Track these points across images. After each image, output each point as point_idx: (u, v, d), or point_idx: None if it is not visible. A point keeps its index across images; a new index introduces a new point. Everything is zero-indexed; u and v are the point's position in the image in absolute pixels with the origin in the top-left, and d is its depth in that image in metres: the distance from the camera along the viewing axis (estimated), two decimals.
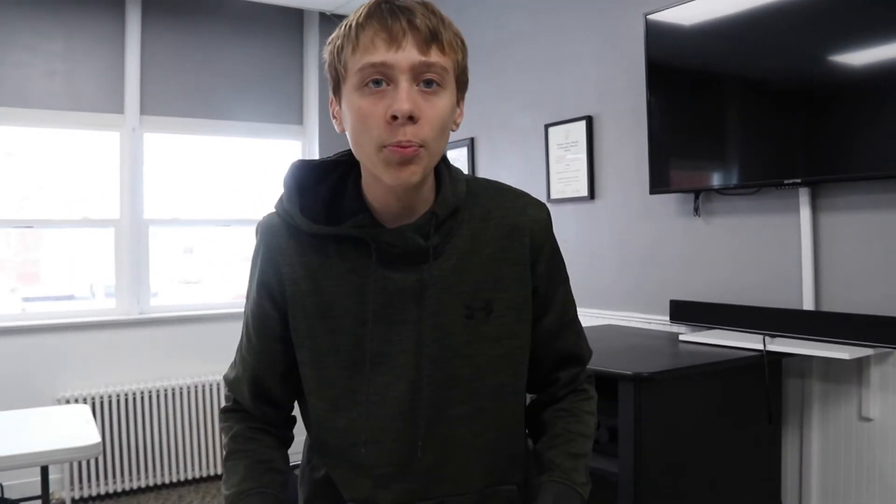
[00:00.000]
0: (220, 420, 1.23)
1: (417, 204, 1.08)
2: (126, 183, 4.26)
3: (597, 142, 3.15)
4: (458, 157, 4.01)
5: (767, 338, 2.28)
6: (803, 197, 2.33)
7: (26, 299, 4.27)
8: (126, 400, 4.05)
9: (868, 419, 2.18)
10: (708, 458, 2.14)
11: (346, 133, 1.05)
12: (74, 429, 2.58)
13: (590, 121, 3.16)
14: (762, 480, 2.30)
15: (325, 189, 1.13)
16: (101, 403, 3.99)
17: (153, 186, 4.35)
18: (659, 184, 2.71)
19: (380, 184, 1.05)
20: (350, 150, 1.12)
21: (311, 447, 1.23)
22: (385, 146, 0.97)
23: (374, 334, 1.08)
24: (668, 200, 2.82)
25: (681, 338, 2.50)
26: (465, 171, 4.06)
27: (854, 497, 2.22)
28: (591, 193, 3.17)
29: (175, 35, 4.35)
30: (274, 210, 1.14)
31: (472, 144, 3.93)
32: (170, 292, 4.55)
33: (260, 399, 1.19)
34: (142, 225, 4.30)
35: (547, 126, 3.38)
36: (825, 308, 2.30)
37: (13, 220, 4.08)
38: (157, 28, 4.29)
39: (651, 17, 2.68)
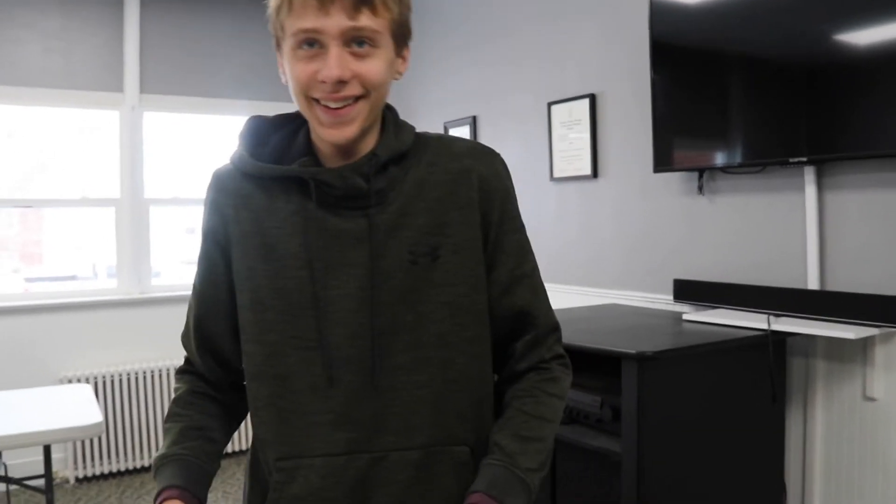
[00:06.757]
0: (175, 381, 1.22)
1: (362, 151, 1.08)
2: (126, 162, 4.24)
3: (600, 120, 3.12)
4: (460, 136, 3.98)
5: (772, 317, 2.26)
6: (808, 175, 2.31)
7: (29, 279, 4.27)
8: (128, 379, 4.06)
9: (872, 399, 2.17)
10: (711, 438, 2.13)
11: None
12: (77, 408, 2.58)
13: (593, 99, 3.13)
14: (765, 459, 2.30)
15: (279, 137, 1.14)
16: (104, 383, 4.00)
17: (154, 165, 4.33)
18: (663, 162, 2.69)
19: None
20: None
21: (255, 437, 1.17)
22: (318, 102, 1.01)
23: (315, 278, 1.06)
24: (671, 179, 2.80)
25: (684, 317, 2.48)
26: None
27: (857, 477, 2.22)
28: (595, 172, 3.15)
29: (175, 12, 4.31)
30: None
31: (474, 123, 3.90)
32: (171, 272, 4.55)
33: (205, 349, 1.17)
34: (142, 204, 4.29)
35: (550, 104, 3.35)
36: (830, 287, 2.28)
37: (13, 200, 4.07)
38: (156, 4, 4.25)
39: None
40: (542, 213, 3.45)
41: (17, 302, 3.97)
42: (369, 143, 1.09)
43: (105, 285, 4.36)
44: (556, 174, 3.34)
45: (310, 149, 1.11)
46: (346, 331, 1.06)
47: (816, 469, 2.33)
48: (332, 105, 1.00)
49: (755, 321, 2.25)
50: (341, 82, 0.98)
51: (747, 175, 2.51)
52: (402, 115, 1.16)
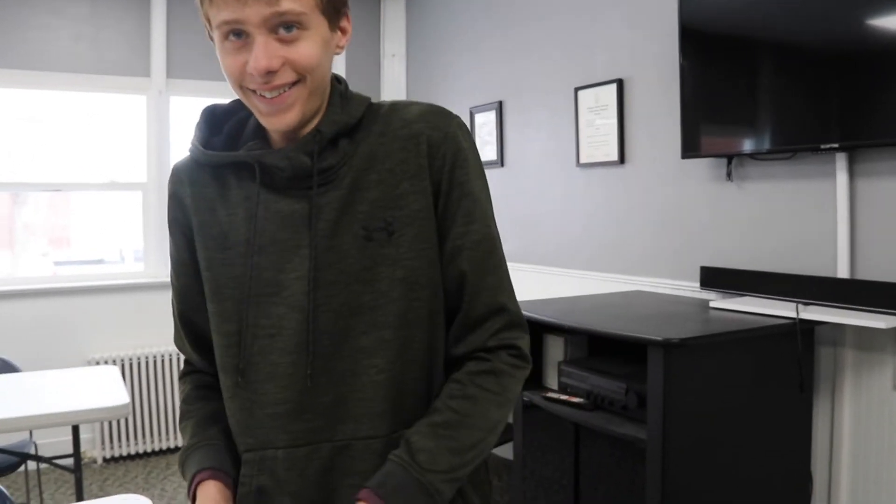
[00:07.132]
0: (179, 385, 1.21)
1: (310, 130, 1.05)
2: (153, 146, 4.27)
3: (627, 105, 3.09)
4: (485, 122, 3.96)
5: (800, 306, 2.24)
6: (840, 162, 2.27)
7: (58, 263, 4.33)
8: (154, 362, 4.11)
9: None
10: (737, 426, 2.11)
11: None
12: (104, 389, 2.62)
13: (620, 84, 3.09)
14: (792, 449, 2.28)
15: (232, 123, 1.12)
16: (130, 365, 4.04)
17: (180, 150, 4.35)
18: (691, 148, 2.66)
19: None
20: None
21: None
22: (254, 92, 0.98)
23: (268, 263, 1.03)
24: (699, 165, 2.76)
25: (711, 304, 2.46)
26: (493, 135, 3.98)
27: (885, 468, 2.19)
28: (622, 158, 3.12)
29: None
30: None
31: (500, 108, 3.88)
32: None
33: (196, 344, 1.16)
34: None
35: (577, 89, 3.32)
36: (860, 276, 2.25)
37: (42, 184, 4.12)
38: None
39: None
40: (568, 199, 3.43)
41: (46, 284, 4.03)
42: (317, 121, 1.05)
43: (132, 269, 4.40)
44: (583, 160, 3.31)
45: (261, 132, 1.09)
46: (301, 315, 1.02)
47: (843, 460, 2.30)
48: (268, 95, 0.97)
49: (783, 309, 2.22)
50: (270, 72, 0.95)
51: (777, 161, 2.47)
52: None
